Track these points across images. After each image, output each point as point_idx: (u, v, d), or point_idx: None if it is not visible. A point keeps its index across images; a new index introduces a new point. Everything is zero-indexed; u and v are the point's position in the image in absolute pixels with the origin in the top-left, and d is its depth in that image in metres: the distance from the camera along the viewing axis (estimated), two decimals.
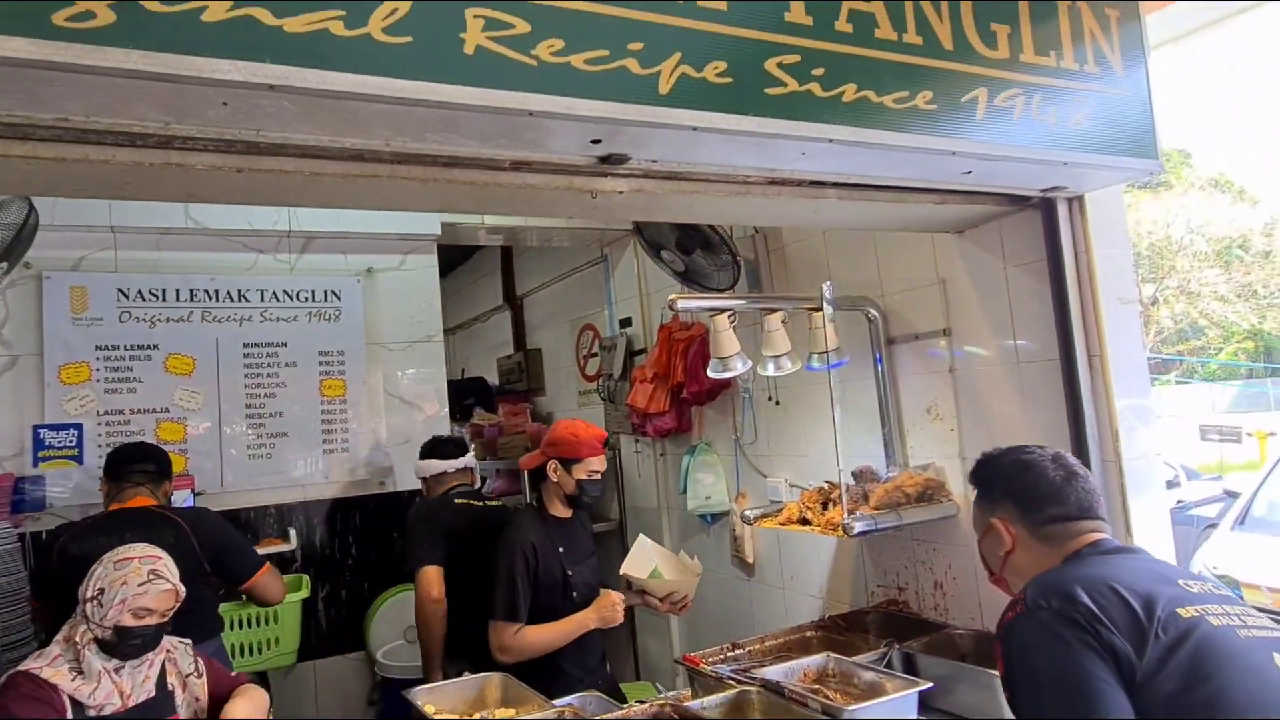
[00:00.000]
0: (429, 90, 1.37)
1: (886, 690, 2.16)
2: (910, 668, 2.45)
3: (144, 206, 3.26)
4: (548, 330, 5.44)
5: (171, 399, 3.32)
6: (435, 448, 3.25)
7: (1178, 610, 1.29)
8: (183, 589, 1.99)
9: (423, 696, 2.31)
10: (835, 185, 2.08)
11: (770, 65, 1.63)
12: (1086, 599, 1.30)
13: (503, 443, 4.67)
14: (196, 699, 2.04)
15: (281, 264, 3.55)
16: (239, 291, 3.45)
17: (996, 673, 2.22)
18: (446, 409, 3.87)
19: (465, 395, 5.14)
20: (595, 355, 4.70)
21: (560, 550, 2.68)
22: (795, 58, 1.65)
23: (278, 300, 3.51)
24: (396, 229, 3.70)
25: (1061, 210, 2.38)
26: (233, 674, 2.17)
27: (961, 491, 2.77)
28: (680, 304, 2.61)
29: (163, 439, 3.28)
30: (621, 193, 1.87)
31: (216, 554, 2.64)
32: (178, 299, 3.35)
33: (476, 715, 2.28)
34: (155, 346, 3.31)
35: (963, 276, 2.74)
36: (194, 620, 2.59)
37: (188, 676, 2.05)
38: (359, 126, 1.49)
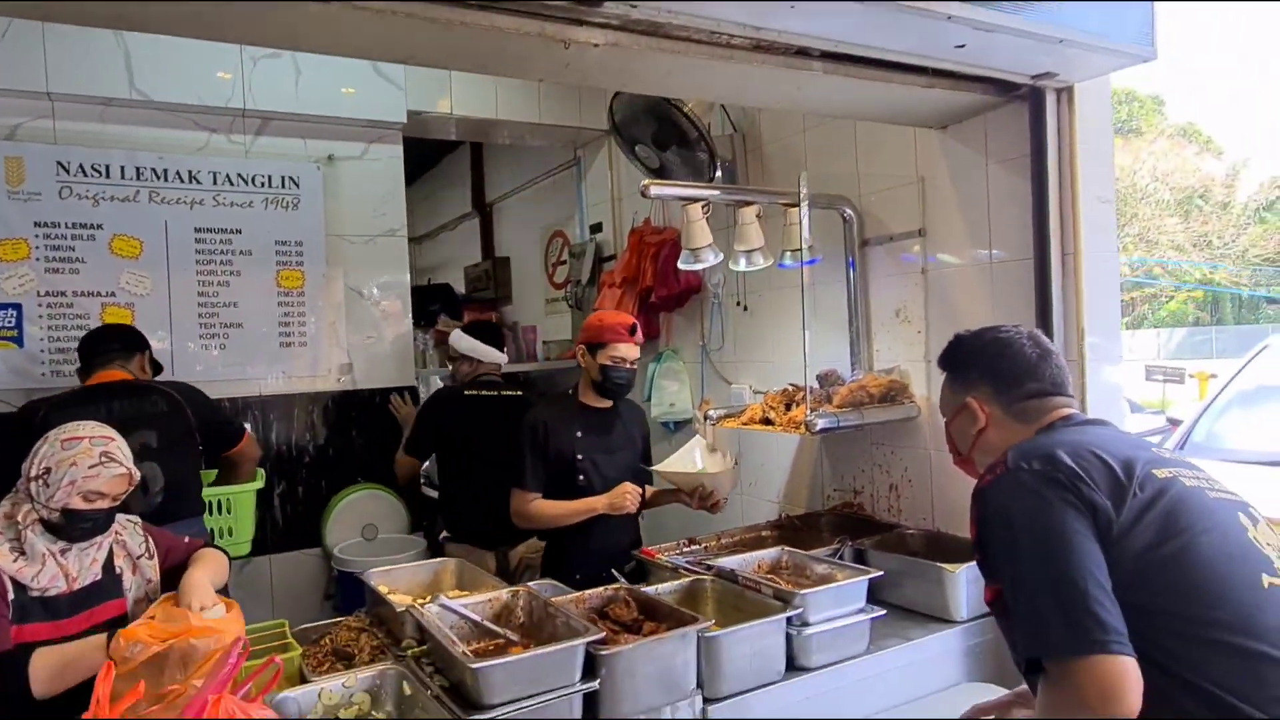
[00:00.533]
0: None
1: (837, 579, 2.18)
2: (861, 562, 2.48)
3: (85, 73, 3.06)
4: (516, 238, 5.31)
5: (118, 282, 3.16)
6: (480, 332, 3.37)
7: (1154, 470, 1.32)
8: (136, 473, 1.87)
9: (377, 577, 2.28)
10: (822, 56, 2.00)
11: None
12: (1069, 460, 1.31)
13: None
14: (148, 580, 1.95)
15: (235, 145, 3.36)
16: (189, 172, 3.27)
17: (946, 567, 2.32)
18: (409, 304, 3.76)
19: (430, 301, 5.01)
20: (564, 263, 4.61)
21: (578, 435, 2.62)
22: None
23: (231, 184, 3.33)
24: (360, 114, 3.52)
25: (1050, 101, 2.33)
26: (186, 540, 2.08)
27: (925, 394, 2.78)
28: (654, 190, 2.52)
29: (109, 323, 3.13)
30: (597, 45, 1.77)
31: (206, 421, 2.76)
32: (123, 176, 3.16)
33: (428, 597, 2.25)
34: (99, 226, 3.13)
35: (942, 174, 2.69)
36: (181, 495, 2.64)
37: (138, 558, 1.95)
38: None
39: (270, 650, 1.93)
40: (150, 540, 2.00)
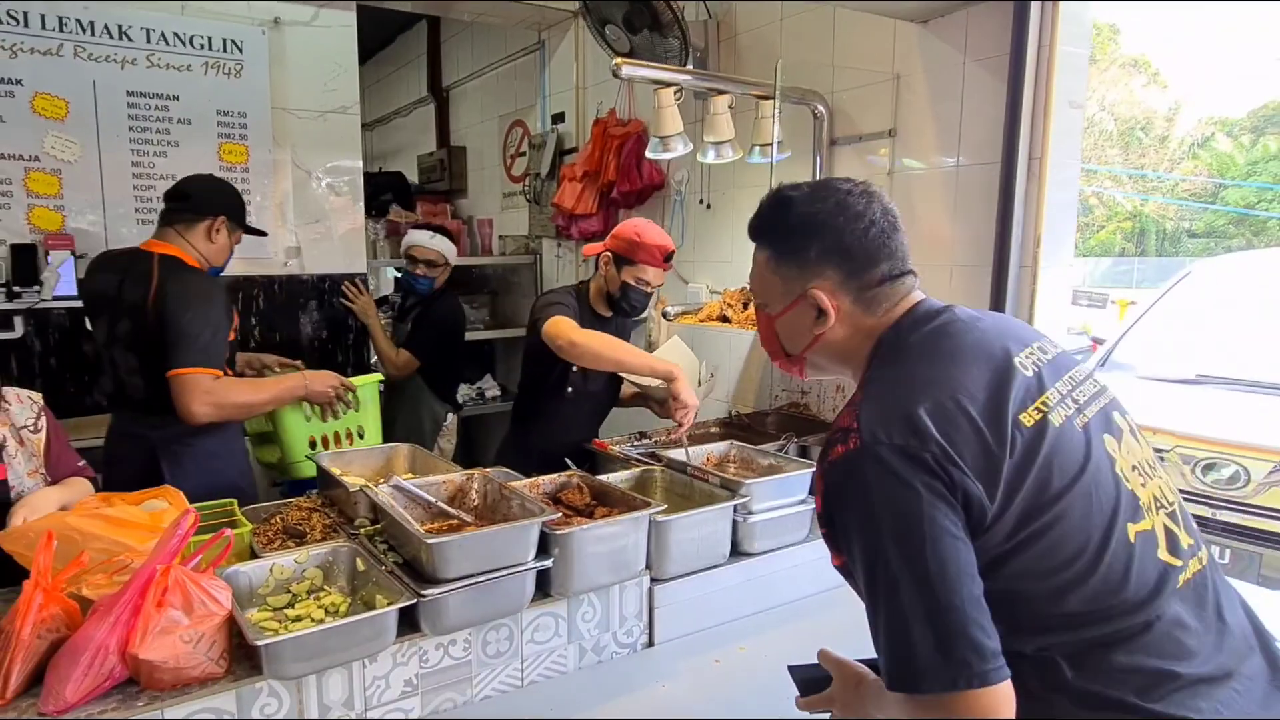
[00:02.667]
0: None
1: (783, 470, 2.23)
2: (805, 458, 2.53)
3: None
4: (474, 127, 5.09)
5: (42, 146, 2.93)
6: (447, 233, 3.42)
7: (1021, 418, 1.05)
8: None
9: (329, 459, 2.25)
10: None
11: None
12: (935, 431, 1.01)
13: None
14: (33, 455, 1.85)
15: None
16: (119, 27, 3.00)
17: None
18: (361, 190, 3.60)
19: (382, 191, 4.81)
20: (523, 154, 4.45)
21: None
22: None
23: (167, 44, 3.08)
24: None
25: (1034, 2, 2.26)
26: (80, 464, 1.95)
27: None
28: (626, 69, 2.40)
29: (34, 190, 2.93)
30: None
31: (161, 321, 2.18)
32: (44, 27, 2.89)
33: (382, 479, 2.24)
34: (18, 81, 2.88)
35: (918, 73, 2.63)
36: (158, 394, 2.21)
37: (22, 429, 1.85)
38: None
39: (219, 527, 1.91)
40: (45, 419, 1.90)
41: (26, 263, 2.88)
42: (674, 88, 2.56)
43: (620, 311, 2.54)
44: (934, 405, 1.04)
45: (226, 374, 2.28)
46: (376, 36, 5.39)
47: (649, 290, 2.48)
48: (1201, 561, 1.11)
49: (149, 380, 2.25)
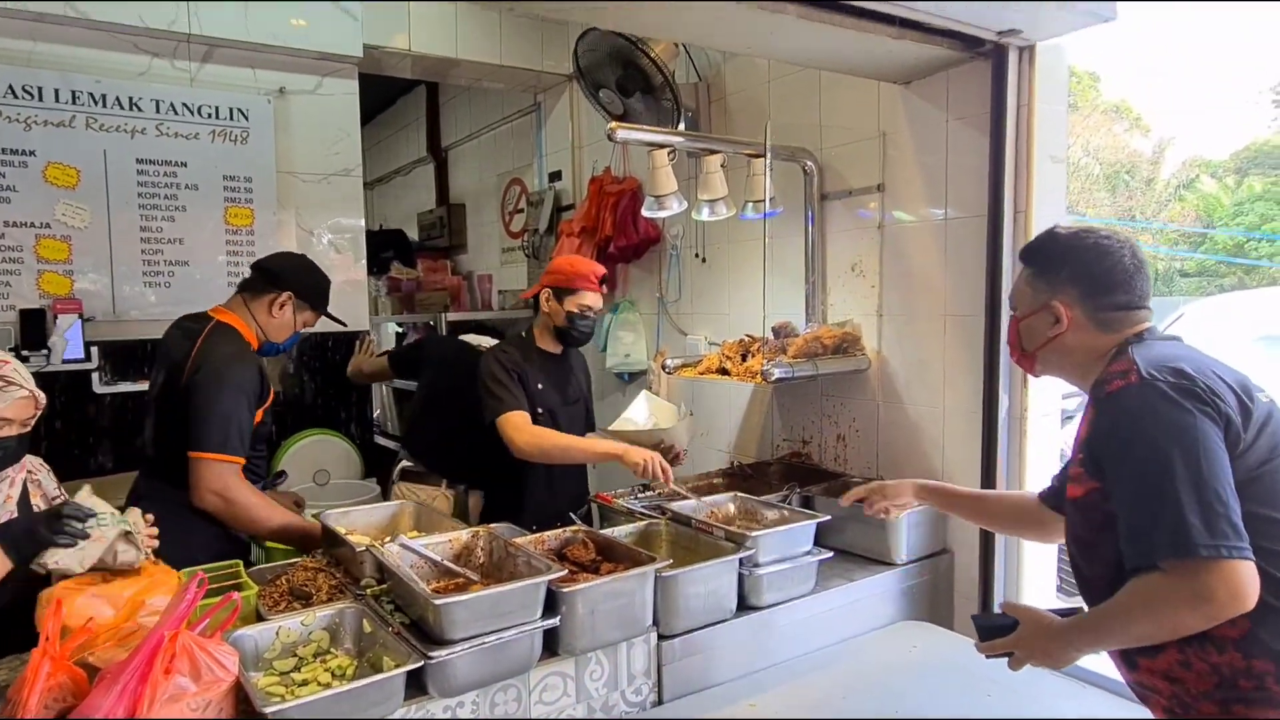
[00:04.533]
0: None
1: (788, 521, 2.25)
2: (809, 509, 2.54)
3: None
4: (472, 185, 5.21)
5: (53, 214, 3.01)
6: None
7: (1257, 395, 1.39)
8: (42, 396, 1.76)
9: (334, 518, 2.27)
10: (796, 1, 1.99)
11: None
12: (1199, 376, 1.33)
13: (420, 298, 4.51)
14: None
15: (180, 72, 3.20)
16: (130, 99, 3.10)
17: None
18: (364, 246, 3.67)
19: (383, 248, 4.91)
20: (521, 211, 4.54)
21: (539, 386, 2.56)
22: None
23: (176, 113, 3.18)
24: (312, 45, 3.38)
25: (1012, 59, 2.36)
26: None
27: (875, 347, 2.85)
28: (621, 133, 2.49)
29: (44, 256, 3.00)
30: None
31: (189, 393, 2.16)
32: (57, 100, 2.99)
33: (387, 538, 2.25)
34: (32, 153, 2.97)
35: (903, 130, 2.72)
36: (173, 455, 2.20)
37: (54, 500, 1.90)
38: None
39: (225, 590, 1.92)
40: (63, 489, 1.95)
41: (35, 327, 2.92)
42: (668, 149, 2.65)
43: (570, 341, 2.65)
44: (1195, 366, 1.35)
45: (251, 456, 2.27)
46: (377, 100, 5.54)
47: (593, 315, 2.59)
48: None
49: (159, 440, 2.28)
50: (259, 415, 2.31)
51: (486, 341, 3.28)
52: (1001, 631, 1.49)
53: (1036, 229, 2.42)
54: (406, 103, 5.62)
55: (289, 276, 2.37)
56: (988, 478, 2.47)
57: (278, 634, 1.75)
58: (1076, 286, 1.51)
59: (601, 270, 2.58)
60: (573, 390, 2.71)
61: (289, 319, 2.38)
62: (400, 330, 4.90)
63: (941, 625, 2.41)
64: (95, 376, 3.05)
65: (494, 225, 4.88)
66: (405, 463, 3.25)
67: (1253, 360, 4.59)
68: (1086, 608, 1.48)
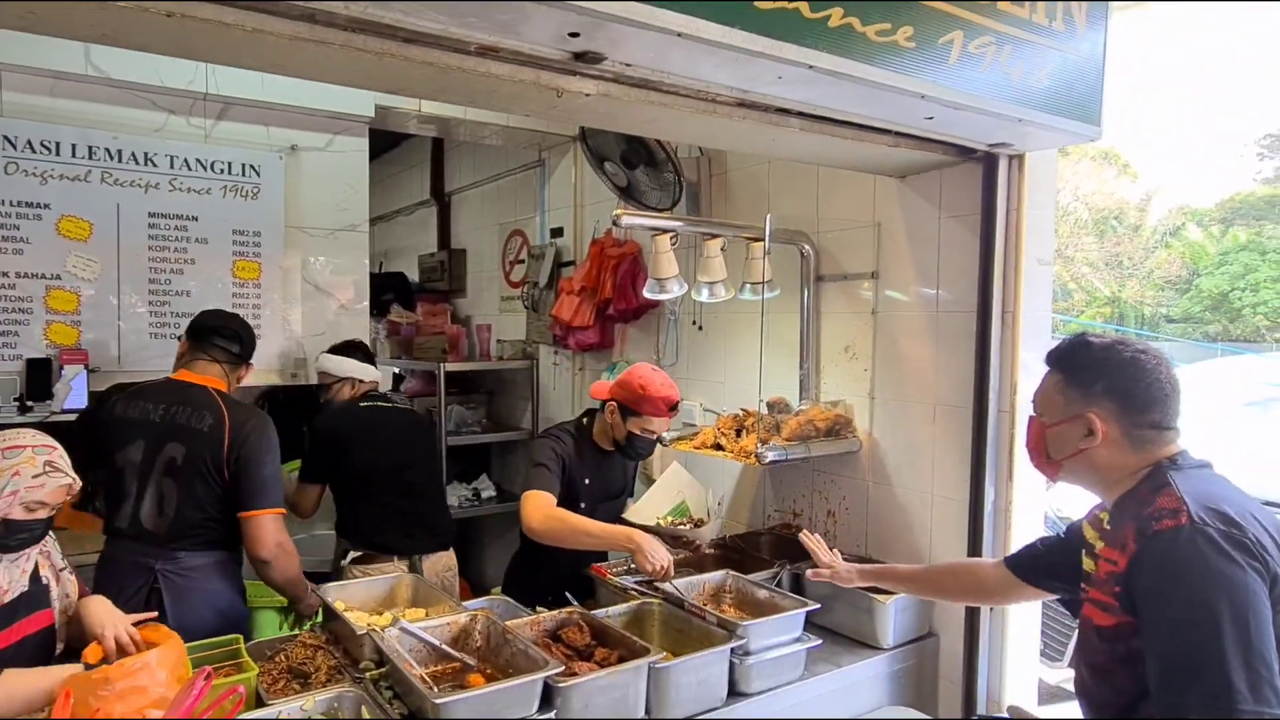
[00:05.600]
0: None
1: (779, 608, 2.31)
2: (798, 587, 2.62)
3: (36, 44, 2.91)
4: (474, 232, 5.28)
5: (64, 265, 3.06)
6: (353, 350, 3.26)
7: None
8: (78, 483, 1.85)
9: (334, 593, 2.31)
10: (800, 115, 2.08)
11: None
12: (1245, 524, 1.33)
13: (419, 343, 4.57)
14: (67, 595, 1.95)
15: (195, 129, 3.27)
16: (145, 154, 3.17)
17: (877, 598, 2.46)
18: (367, 303, 3.73)
19: (383, 290, 4.96)
20: (522, 262, 4.62)
21: (586, 481, 2.62)
22: None
23: (189, 169, 3.25)
24: (326, 105, 3.46)
25: (1003, 166, 2.47)
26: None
27: (866, 429, 2.93)
28: (625, 220, 2.58)
29: (53, 307, 3.04)
30: (588, 95, 1.81)
31: (240, 463, 2.34)
32: (74, 155, 3.05)
33: (386, 614, 2.30)
34: (46, 206, 3.02)
35: (898, 222, 2.82)
36: (193, 522, 2.35)
37: (61, 570, 1.95)
38: None
39: (223, 666, 1.95)
40: (68, 563, 2.00)
41: (41, 377, 2.96)
42: (670, 234, 2.73)
43: (627, 456, 2.70)
44: (1239, 511, 1.36)
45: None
46: (383, 138, 5.59)
47: (654, 439, 2.60)
48: None
49: (192, 510, 2.35)
50: None
51: (390, 403, 3.22)
52: None
53: (1024, 327, 2.52)
54: (412, 145, 5.70)
55: (253, 346, 2.60)
56: None
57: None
58: (1114, 401, 1.50)
59: (675, 397, 2.54)
60: (616, 485, 2.79)
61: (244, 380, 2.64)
62: (398, 373, 4.94)
63: (926, 711, 2.47)
64: None
65: (494, 273, 4.95)
66: (353, 552, 3.10)
67: (1244, 426, 4.72)
68: None
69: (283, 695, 1.87)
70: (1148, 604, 1.37)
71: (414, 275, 5.61)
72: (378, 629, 2.00)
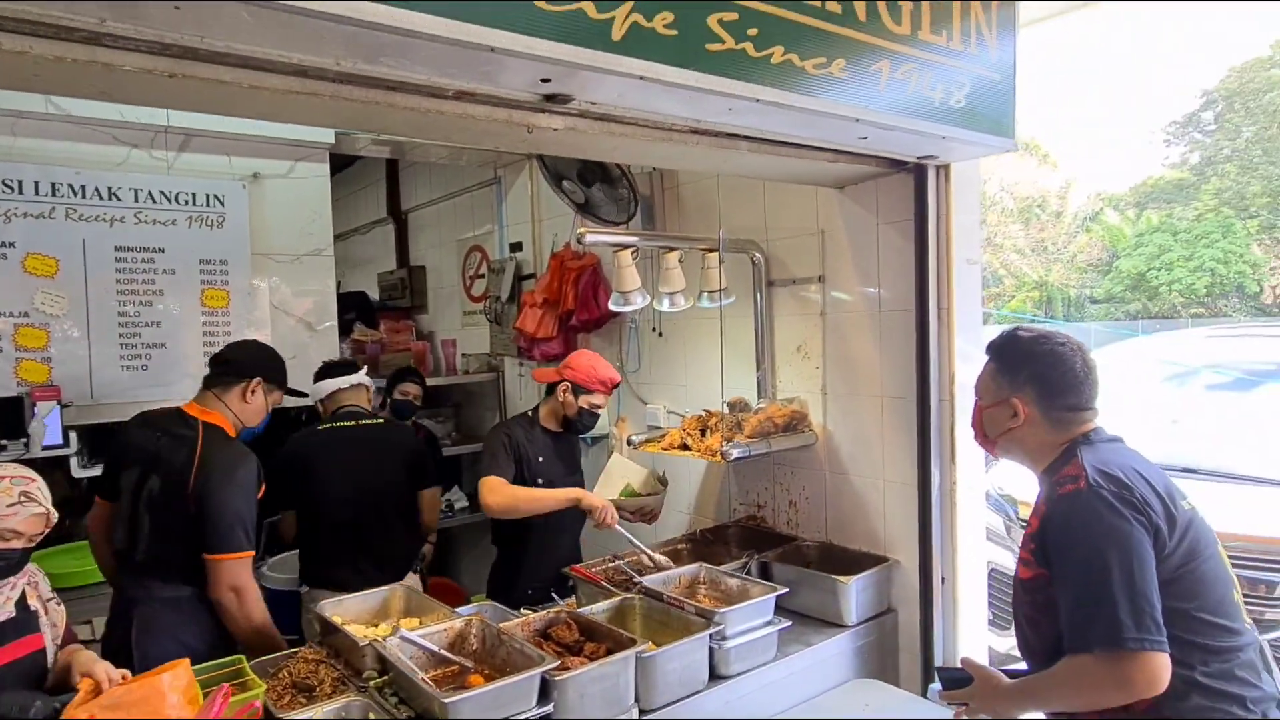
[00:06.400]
0: (394, 15, 1.39)
1: (749, 595, 2.50)
2: (766, 574, 2.84)
3: None
4: (433, 248, 5.37)
5: (32, 302, 3.08)
6: (327, 369, 3.26)
7: (1181, 502, 1.64)
8: (54, 515, 1.89)
9: (330, 608, 2.40)
10: (748, 139, 2.26)
11: (712, 21, 1.75)
12: (1136, 485, 1.58)
13: (385, 359, 4.64)
14: (54, 625, 1.99)
15: (158, 162, 3.31)
16: (109, 189, 3.20)
17: (839, 579, 2.67)
18: (335, 324, 3.81)
19: (346, 310, 4.98)
20: (482, 277, 4.73)
21: (540, 459, 2.90)
22: (734, 15, 1.78)
23: (154, 201, 3.29)
24: (286, 134, 3.53)
25: (931, 176, 2.69)
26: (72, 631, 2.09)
27: (820, 423, 3.14)
28: (589, 237, 2.74)
29: (22, 345, 3.07)
30: (556, 129, 1.96)
31: (201, 501, 2.30)
32: (36, 192, 3.08)
33: (382, 625, 2.40)
34: (11, 244, 3.04)
35: (839, 229, 3.03)
36: (166, 556, 2.33)
37: (48, 601, 2.00)
38: (313, 43, 1.49)
39: (226, 682, 2.03)
40: (56, 594, 2.05)
41: (13, 415, 2.98)
42: (632, 249, 2.90)
43: (574, 430, 3.00)
44: (1130, 474, 1.60)
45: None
46: (338, 158, 5.64)
47: (598, 413, 2.95)
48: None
49: (159, 543, 2.36)
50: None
51: (355, 421, 3.09)
52: (960, 684, 1.79)
53: (958, 323, 2.76)
54: (366, 164, 5.75)
55: (253, 363, 2.56)
56: (924, 544, 2.77)
57: None
58: (1035, 387, 1.75)
59: (616, 378, 2.96)
60: (569, 463, 3.03)
61: (261, 403, 2.56)
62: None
63: (889, 681, 2.69)
64: (74, 461, 3.11)
65: (455, 288, 5.04)
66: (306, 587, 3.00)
67: (1166, 399, 5.07)
68: (1030, 670, 1.75)
69: (290, 709, 1.97)
70: (1055, 557, 1.62)
71: (374, 293, 5.67)
72: (380, 640, 2.11)
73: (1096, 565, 1.53)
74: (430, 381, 4.62)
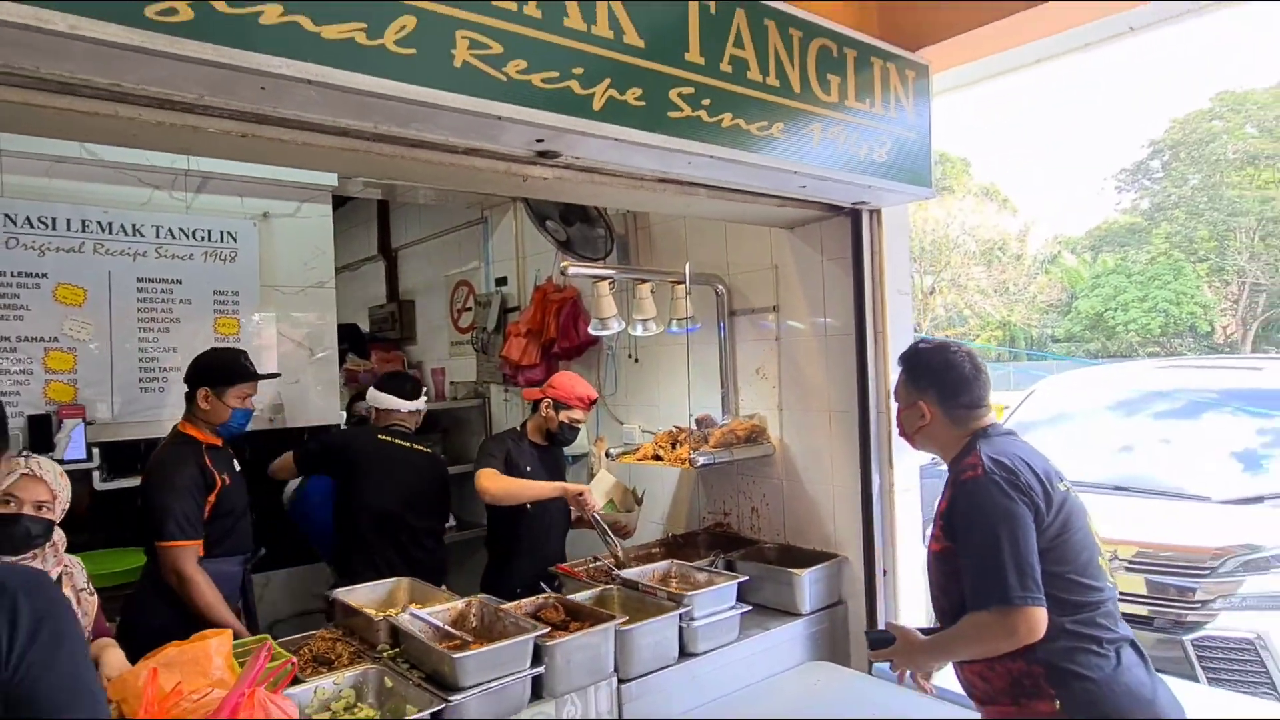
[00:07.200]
0: (427, 94, 1.77)
1: (715, 583, 2.84)
2: (731, 570, 3.17)
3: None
4: (421, 284, 5.71)
5: (61, 328, 3.37)
6: (390, 383, 3.54)
7: (1057, 484, 1.96)
8: (57, 488, 2.04)
9: (345, 595, 2.70)
10: (707, 187, 2.67)
11: (673, 94, 2.16)
12: (1022, 472, 1.91)
13: None
14: (86, 614, 2.18)
15: (177, 202, 3.64)
16: (133, 226, 3.53)
17: (795, 571, 3.03)
18: (335, 351, 4.13)
19: (339, 341, 5.31)
20: (469, 309, 5.08)
21: (527, 469, 3.20)
22: (691, 90, 2.19)
23: (173, 237, 3.62)
24: (293, 177, 3.88)
25: (865, 219, 3.12)
26: (107, 624, 2.30)
27: (778, 436, 3.52)
28: (572, 270, 3.13)
29: (51, 367, 3.34)
30: (546, 179, 2.35)
31: (141, 498, 2.74)
32: (68, 229, 3.39)
33: (391, 610, 2.70)
34: (44, 275, 3.34)
35: (790, 264, 3.45)
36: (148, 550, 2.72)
37: (81, 591, 2.18)
38: (359, 112, 1.86)
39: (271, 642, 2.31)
40: (91, 584, 2.25)
41: (42, 431, 3.25)
42: (609, 280, 3.29)
43: (557, 442, 3.35)
44: (1017, 463, 1.93)
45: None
46: (334, 198, 6.00)
47: (578, 426, 3.30)
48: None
49: (140, 535, 2.80)
50: (210, 500, 2.76)
51: (409, 443, 3.42)
52: (884, 644, 2.13)
53: (891, 345, 3.16)
54: (358, 204, 6.10)
55: (194, 376, 2.84)
56: (867, 540, 3.14)
57: (315, 693, 2.19)
58: (935, 391, 2.09)
59: (594, 395, 3.29)
60: (553, 475, 3.34)
61: (218, 405, 2.83)
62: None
63: (841, 663, 3.03)
64: (96, 474, 3.38)
65: (443, 320, 5.39)
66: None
67: (1107, 426, 5.49)
68: (942, 628, 2.09)
69: (314, 677, 2.26)
70: (959, 532, 1.95)
71: (365, 326, 5.98)
72: (393, 616, 2.42)
73: (990, 538, 1.86)
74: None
